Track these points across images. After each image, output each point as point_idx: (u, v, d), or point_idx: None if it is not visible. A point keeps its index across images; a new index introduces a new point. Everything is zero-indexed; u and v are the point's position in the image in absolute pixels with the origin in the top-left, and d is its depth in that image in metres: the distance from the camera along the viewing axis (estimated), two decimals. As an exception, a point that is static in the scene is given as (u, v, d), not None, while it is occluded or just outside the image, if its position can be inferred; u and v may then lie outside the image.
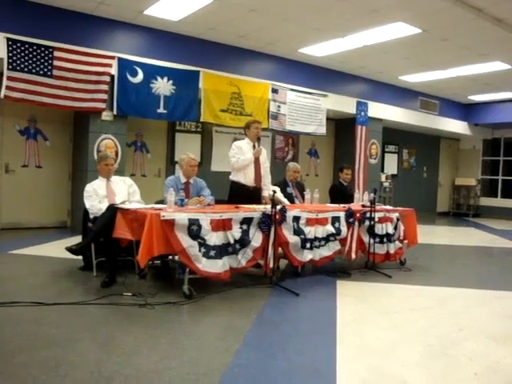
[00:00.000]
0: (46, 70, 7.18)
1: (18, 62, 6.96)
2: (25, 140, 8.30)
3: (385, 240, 6.04)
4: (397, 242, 6.21)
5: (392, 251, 6.12)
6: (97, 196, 5.22)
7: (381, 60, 9.89)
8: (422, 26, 7.71)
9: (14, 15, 6.99)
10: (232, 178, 5.96)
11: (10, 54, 6.89)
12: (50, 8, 7.25)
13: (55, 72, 7.25)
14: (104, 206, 5.01)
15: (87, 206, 5.21)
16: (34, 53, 7.08)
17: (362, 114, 11.49)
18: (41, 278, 4.95)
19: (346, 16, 7.39)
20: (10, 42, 6.88)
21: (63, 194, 8.69)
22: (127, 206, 4.81)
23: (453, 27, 7.67)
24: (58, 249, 5.95)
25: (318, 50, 9.36)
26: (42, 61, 7.15)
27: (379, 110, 11.94)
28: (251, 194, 5.78)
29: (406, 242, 6.42)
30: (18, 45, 6.95)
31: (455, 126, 14.39)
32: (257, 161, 5.89)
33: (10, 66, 6.91)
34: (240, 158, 5.79)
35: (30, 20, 7.11)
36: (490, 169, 16.04)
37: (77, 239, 5.73)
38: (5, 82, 6.88)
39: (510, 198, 15.37)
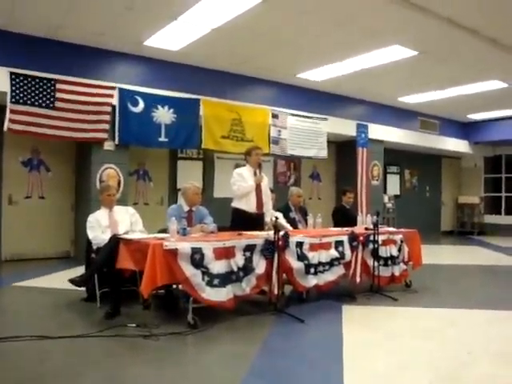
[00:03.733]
0: (48, 102, 7.27)
1: (21, 95, 7.06)
2: (28, 171, 8.36)
3: (389, 262, 6.01)
4: (401, 264, 6.18)
5: (397, 273, 6.08)
6: (99, 227, 5.23)
7: (379, 82, 9.98)
8: (418, 48, 7.80)
9: (16, 50, 7.13)
10: (234, 205, 5.96)
11: (14, 88, 7.00)
12: (52, 41, 7.38)
13: (57, 104, 7.33)
14: (107, 237, 5.02)
15: (90, 236, 5.21)
16: (37, 85, 7.18)
17: (363, 136, 11.55)
18: (44, 310, 4.93)
19: (342, 41, 7.49)
20: (13, 76, 7.00)
21: (66, 224, 8.70)
22: (130, 236, 4.81)
23: (449, 48, 7.76)
24: (61, 280, 5.93)
25: (317, 75, 9.46)
26: (45, 93, 7.24)
27: (380, 132, 12.01)
28: (254, 221, 5.76)
29: (410, 263, 6.39)
30: (21, 78, 7.06)
31: (456, 144, 14.45)
32: (258, 187, 5.89)
33: (14, 100, 7.01)
34: (241, 185, 5.81)
35: (32, 54, 7.25)
36: (493, 186, 16.02)
37: (80, 269, 5.72)
38: (8, 115, 6.98)
39: (514, 214, 15.34)
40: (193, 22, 6.73)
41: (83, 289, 5.24)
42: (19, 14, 6.49)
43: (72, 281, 4.96)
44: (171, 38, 7.42)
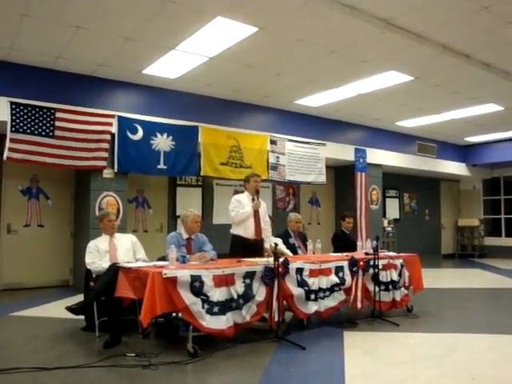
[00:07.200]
0: (47, 130, 7.31)
1: (21, 124, 7.11)
2: (27, 200, 8.37)
3: (390, 287, 5.97)
4: (402, 289, 6.14)
5: (398, 298, 6.04)
6: (98, 253, 5.22)
7: (376, 107, 10.07)
8: (414, 74, 7.90)
9: (16, 80, 7.20)
10: (232, 231, 5.98)
11: (14, 117, 7.05)
12: (52, 71, 7.46)
13: (57, 132, 7.38)
14: (106, 264, 5.00)
15: (87, 261, 5.19)
16: (37, 115, 7.23)
17: (361, 160, 11.59)
18: (42, 340, 4.87)
19: (338, 68, 7.60)
20: (13, 106, 7.05)
21: (65, 253, 8.66)
22: (129, 264, 4.79)
23: (444, 73, 7.86)
24: (59, 309, 5.86)
25: (314, 101, 9.55)
26: (44, 122, 7.29)
27: (378, 156, 12.06)
28: (252, 247, 5.77)
29: (411, 288, 6.35)
30: (21, 108, 7.12)
31: (454, 167, 14.48)
32: (256, 213, 5.91)
33: (13, 129, 7.05)
34: (239, 211, 5.83)
35: (32, 83, 7.31)
36: (492, 208, 16.02)
37: (79, 298, 5.68)
38: (8, 144, 7.00)
39: (514, 236, 15.31)
40: (190, 51, 6.83)
41: (82, 318, 5.20)
42: (19, 45, 6.58)
43: (69, 308, 4.91)
44: (169, 67, 7.52)
